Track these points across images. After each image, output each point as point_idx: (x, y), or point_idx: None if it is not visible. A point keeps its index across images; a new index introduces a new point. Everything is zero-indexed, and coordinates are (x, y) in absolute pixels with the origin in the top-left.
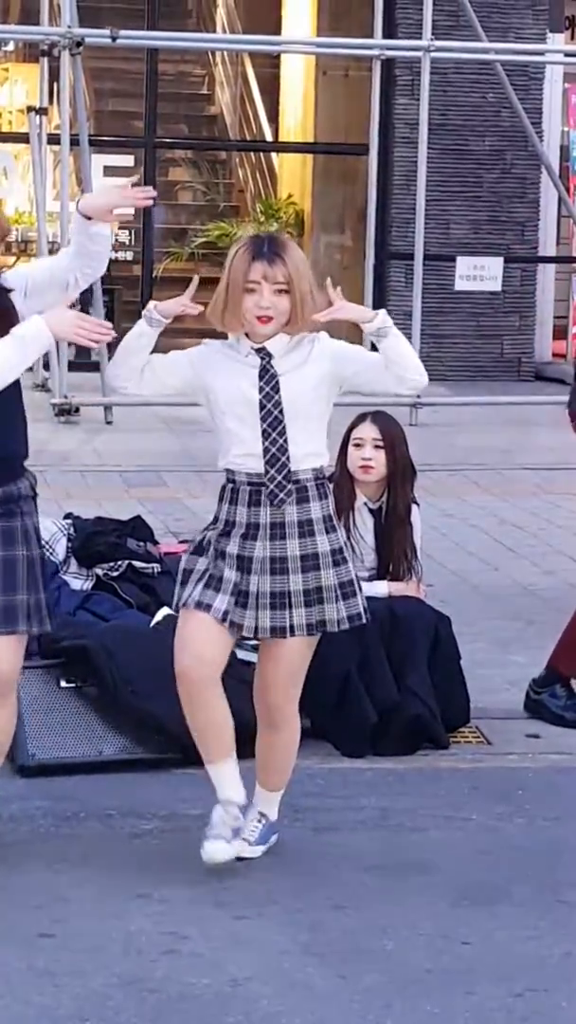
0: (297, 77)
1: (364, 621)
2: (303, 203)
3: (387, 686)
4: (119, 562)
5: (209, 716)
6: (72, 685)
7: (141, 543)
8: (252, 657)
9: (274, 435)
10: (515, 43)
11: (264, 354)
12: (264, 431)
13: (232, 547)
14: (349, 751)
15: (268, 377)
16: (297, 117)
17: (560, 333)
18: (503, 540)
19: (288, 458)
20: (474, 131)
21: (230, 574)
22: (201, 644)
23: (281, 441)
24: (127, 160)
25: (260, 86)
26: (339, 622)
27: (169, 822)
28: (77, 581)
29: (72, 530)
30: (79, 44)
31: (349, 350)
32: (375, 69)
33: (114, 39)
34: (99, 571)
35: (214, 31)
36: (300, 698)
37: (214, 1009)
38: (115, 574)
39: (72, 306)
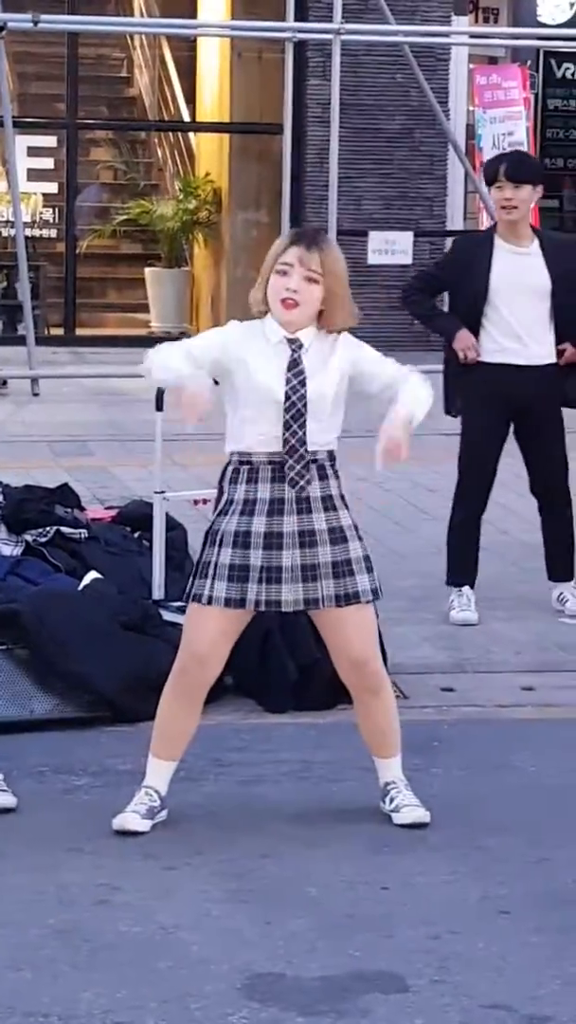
0: (213, 59)
1: (379, 597)
2: (220, 181)
3: (307, 644)
4: (48, 528)
5: (185, 721)
6: (3, 647)
7: (69, 510)
8: (179, 618)
9: (295, 427)
10: (422, 26)
11: (296, 345)
12: (286, 423)
13: (258, 525)
14: (271, 707)
15: (297, 371)
16: (213, 98)
17: None
18: (416, 503)
19: (306, 449)
20: (384, 111)
21: (256, 557)
22: (208, 647)
23: (301, 433)
24: (50, 141)
25: (177, 68)
26: (369, 592)
27: (99, 778)
28: (7, 547)
29: (2, 498)
30: (2, 29)
31: (369, 366)
32: (288, 51)
33: (36, 23)
34: (28, 537)
35: (132, 16)
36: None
37: (146, 956)
38: (44, 540)
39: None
